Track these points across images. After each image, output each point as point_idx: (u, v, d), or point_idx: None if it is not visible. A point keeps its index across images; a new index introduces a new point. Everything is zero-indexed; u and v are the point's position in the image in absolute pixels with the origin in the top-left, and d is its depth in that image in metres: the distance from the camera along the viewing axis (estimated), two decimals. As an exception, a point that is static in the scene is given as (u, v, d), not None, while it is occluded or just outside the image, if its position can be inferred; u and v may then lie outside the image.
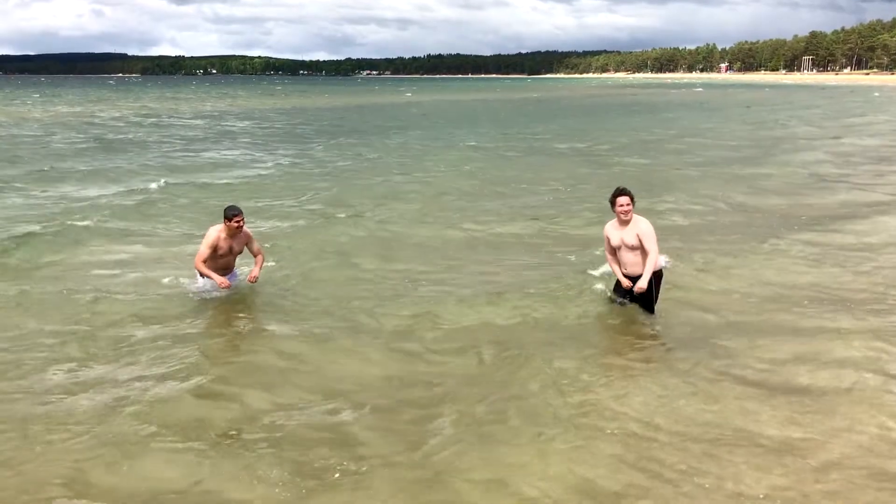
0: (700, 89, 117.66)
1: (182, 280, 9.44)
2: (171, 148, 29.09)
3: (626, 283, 8.24)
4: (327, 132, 38.02)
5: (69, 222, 13.39)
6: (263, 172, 21.82)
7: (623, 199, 8.00)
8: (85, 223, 13.41)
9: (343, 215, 14.78)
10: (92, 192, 17.83)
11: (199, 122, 45.66)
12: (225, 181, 19.62)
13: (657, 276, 8.20)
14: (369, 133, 37.03)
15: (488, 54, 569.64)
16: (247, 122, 45.43)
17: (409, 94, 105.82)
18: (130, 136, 34.57)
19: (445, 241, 12.64)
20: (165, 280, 9.61)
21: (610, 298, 8.72)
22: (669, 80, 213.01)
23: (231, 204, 8.96)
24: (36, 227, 12.89)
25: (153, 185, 18.31)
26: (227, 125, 43.21)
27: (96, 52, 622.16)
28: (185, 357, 7.07)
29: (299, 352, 7.34)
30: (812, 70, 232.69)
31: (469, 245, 12.34)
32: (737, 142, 30.64)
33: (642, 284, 7.99)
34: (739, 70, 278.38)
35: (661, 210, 14.97)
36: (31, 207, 15.72)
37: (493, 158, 25.77)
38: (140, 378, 6.57)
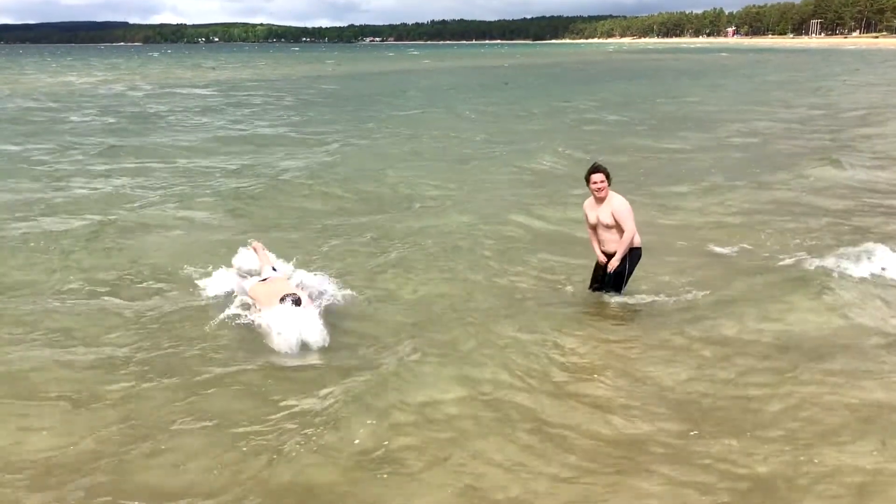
0: (725, 54, 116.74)
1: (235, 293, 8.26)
2: (216, 123, 27.61)
3: (602, 258, 8.21)
4: (371, 102, 37.44)
5: (125, 212, 12.65)
6: (322, 155, 19.54)
7: (597, 177, 7.85)
8: (142, 214, 12.58)
9: (422, 204, 13.48)
10: (152, 180, 16.09)
11: (231, 93, 45.51)
12: (288, 171, 16.98)
13: (635, 254, 8.16)
14: (412, 104, 36.17)
15: (492, 19, 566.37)
16: (279, 93, 44.85)
17: (427, 61, 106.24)
18: (168, 107, 34.36)
19: (549, 237, 11.22)
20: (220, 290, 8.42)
21: (591, 289, 8.58)
22: (684, 45, 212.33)
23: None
24: (95, 219, 12.03)
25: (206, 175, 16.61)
26: (258, 96, 42.76)
27: (97, 20, 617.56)
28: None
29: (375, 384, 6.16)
30: (820, 34, 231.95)
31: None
32: (818, 111, 29.19)
33: (613, 263, 7.99)
34: (746, 34, 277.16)
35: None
36: (96, 191, 14.68)
37: (571, 129, 24.09)
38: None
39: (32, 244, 10.47)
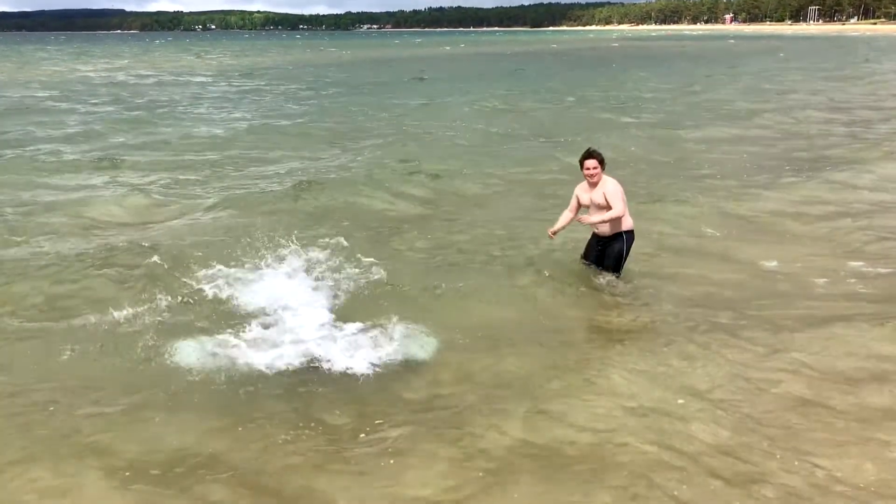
0: (732, 41, 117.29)
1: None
2: (240, 114, 26.64)
3: (551, 231, 8.66)
4: (392, 90, 36.77)
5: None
6: (355, 149, 18.63)
7: (590, 163, 8.16)
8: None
9: (467, 203, 12.64)
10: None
11: (247, 82, 45.31)
12: (322, 167, 16.12)
13: (629, 236, 8.40)
14: (436, 91, 35.46)
15: (489, 6, 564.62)
16: (295, 82, 44.94)
17: (431, 48, 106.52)
18: (186, 97, 34.98)
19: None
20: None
21: (582, 263, 8.88)
22: (686, 32, 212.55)
23: None
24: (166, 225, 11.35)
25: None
26: (276, 84, 42.42)
27: (94, 7, 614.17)
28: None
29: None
30: (818, 20, 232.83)
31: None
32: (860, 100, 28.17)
33: (587, 218, 8.32)
34: (744, 21, 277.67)
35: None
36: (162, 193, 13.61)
37: (605, 122, 23.24)
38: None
39: (64, 251, 9.70)
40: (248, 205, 12.50)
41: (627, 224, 8.35)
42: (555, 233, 8.73)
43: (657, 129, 21.58)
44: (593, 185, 8.27)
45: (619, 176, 8.85)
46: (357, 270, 8.59)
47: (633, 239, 8.46)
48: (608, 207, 8.15)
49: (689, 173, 15.13)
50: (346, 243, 9.60)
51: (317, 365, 6.38)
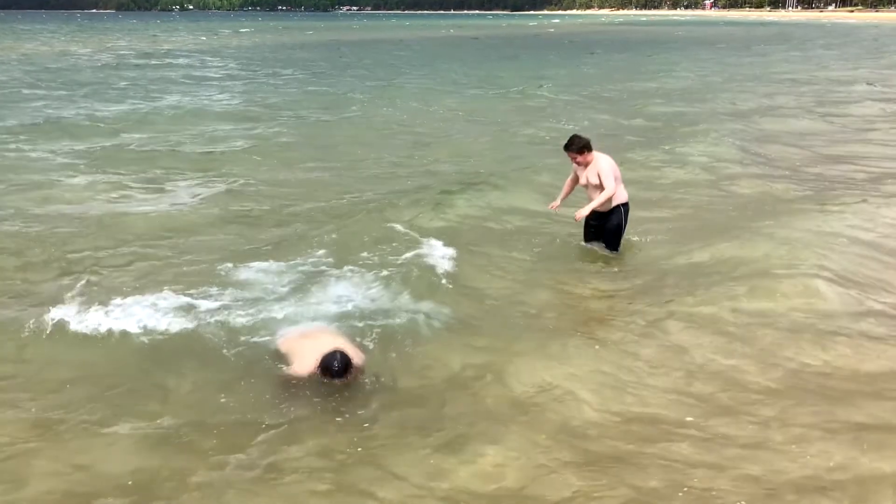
0: (725, 27, 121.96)
1: None
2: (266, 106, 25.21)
3: (554, 205, 9.17)
4: (425, 74, 38.25)
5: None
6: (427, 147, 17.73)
7: (570, 154, 8.66)
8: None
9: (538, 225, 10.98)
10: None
11: (257, 63, 46.29)
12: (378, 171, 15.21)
13: (625, 209, 8.69)
14: (479, 77, 36.00)
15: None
16: (313, 63, 46.41)
17: (423, 32, 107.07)
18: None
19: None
20: None
21: (582, 246, 9.21)
22: (675, 18, 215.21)
23: None
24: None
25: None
26: (292, 64, 43.86)
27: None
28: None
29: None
30: (797, 7, 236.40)
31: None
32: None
33: (582, 212, 8.58)
34: (724, 7, 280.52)
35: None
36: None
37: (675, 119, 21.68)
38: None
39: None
40: (263, 205, 12.03)
41: (622, 197, 8.75)
42: (555, 207, 9.21)
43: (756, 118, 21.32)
44: (584, 166, 8.70)
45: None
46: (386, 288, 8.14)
47: (628, 211, 8.85)
48: (601, 185, 8.55)
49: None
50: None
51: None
